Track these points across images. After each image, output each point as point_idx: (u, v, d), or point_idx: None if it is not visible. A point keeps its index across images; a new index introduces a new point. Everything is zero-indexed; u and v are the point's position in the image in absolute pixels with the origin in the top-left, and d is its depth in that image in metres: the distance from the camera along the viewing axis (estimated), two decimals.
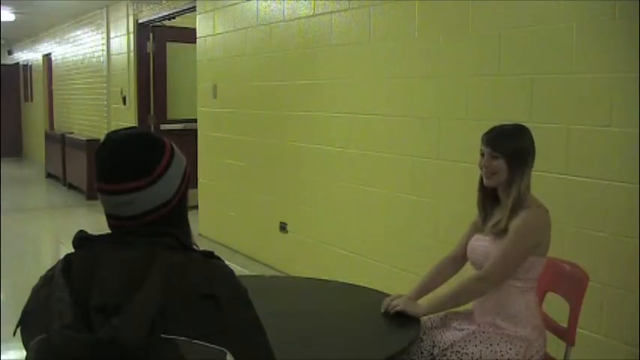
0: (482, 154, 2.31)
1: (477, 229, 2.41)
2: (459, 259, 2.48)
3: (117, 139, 1.34)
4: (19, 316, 1.31)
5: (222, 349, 1.24)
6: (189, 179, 1.41)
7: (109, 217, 1.35)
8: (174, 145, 1.38)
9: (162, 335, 1.18)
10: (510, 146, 2.28)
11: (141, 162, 1.31)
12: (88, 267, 1.25)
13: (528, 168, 2.28)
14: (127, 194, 1.30)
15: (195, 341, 1.21)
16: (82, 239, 1.31)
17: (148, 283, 1.20)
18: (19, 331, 1.31)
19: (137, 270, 1.22)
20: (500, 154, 2.26)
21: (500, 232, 2.26)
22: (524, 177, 2.26)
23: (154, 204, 1.32)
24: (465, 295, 2.32)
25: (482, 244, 2.33)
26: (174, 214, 1.35)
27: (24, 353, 1.32)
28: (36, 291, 1.31)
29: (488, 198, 2.37)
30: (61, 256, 1.32)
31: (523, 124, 2.38)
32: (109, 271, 1.24)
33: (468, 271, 2.46)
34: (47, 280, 1.29)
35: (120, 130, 1.37)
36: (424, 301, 2.35)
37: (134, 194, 1.30)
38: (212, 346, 1.23)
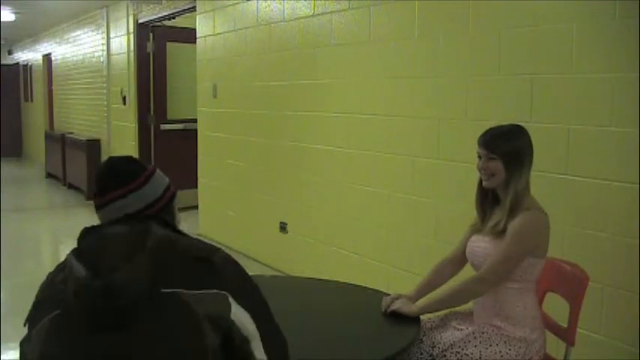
0: (480, 157, 2.31)
1: (476, 229, 2.41)
2: (458, 261, 2.48)
3: (106, 163, 1.63)
4: (32, 304, 1.40)
5: (224, 292, 1.38)
6: (174, 195, 1.65)
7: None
8: (157, 168, 1.65)
9: (164, 290, 1.32)
10: (506, 147, 2.28)
11: (125, 174, 1.58)
12: (96, 245, 1.43)
13: (526, 168, 2.28)
14: (113, 202, 1.55)
15: (200, 291, 1.35)
16: (88, 229, 1.49)
17: (147, 249, 1.36)
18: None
19: (136, 240, 1.39)
20: (497, 155, 2.26)
21: (499, 233, 2.26)
22: (521, 177, 2.26)
23: (139, 206, 1.55)
24: (463, 296, 2.33)
25: (481, 244, 2.33)
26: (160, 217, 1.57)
27: None
28: (51, 279, 1.44)
29: (487, 199, 2.38)
30: (61, 256, 1.35)
31: (522, 124, 2.38)
32: (113, 242, 1.42)
33: (468, 272, 2.47)
34: (60, 266, 1.43)
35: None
36: (422, 301, 2.35)
37: (120, 201, 1.55)
38: (214, 291, 1.37)
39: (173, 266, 1.38)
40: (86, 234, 1.47)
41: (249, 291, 1.48)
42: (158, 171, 1.65)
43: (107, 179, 1.58)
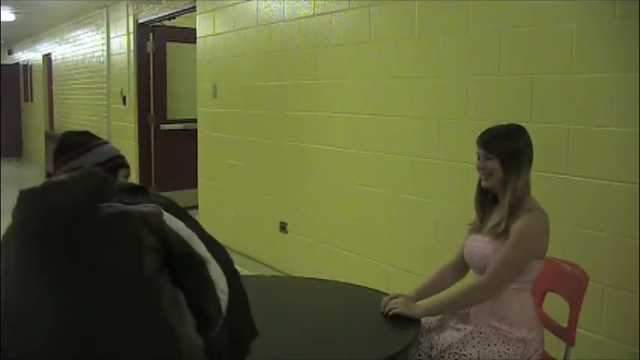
0: (479, 157, 2.32)
1: (475, 229, 2.40)
2: (461, 266, 2.47)
3: (62, 135, 1.87)
4: None
5: (157, 205, 1.56)
6: (118, 167, 1.84)
7: None
8: (110, 144, 1.88)
9: (104, 204, 1.51)
10: (503, 147, 2.28)
11: (77, 143, 1.81)
12: (41, 187, 1.64)
13: (524, 168, 2.27)
14: (65, 164, 1.76)
15: (136, 204, 1.53)
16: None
17: (86, 177, 1.61)
18: None
19: (76, 176, 1.62)
20: (494, 154, 2.27)
21: (499, 234, 2.25)
22: (519, 177, 2.25)
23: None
24: (466, 302, 2.32)
25: (479, 244, 2.33)
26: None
27: None
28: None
29: (487, 198, 2.38)
30: None
31: (522, 124, 2.38)
32: (56, 181, 1.65)
33: (471, 278, 2.47)
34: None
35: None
36: (423, 304, 2.35)
37: (70, 163, 1.76)
38: (152, 205, 1.55)
39: (111, 191, 1.58)
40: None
41: (180, 211, 1.67)
42: (110, 146, 1.88)
43: (63, 147, 1.82)
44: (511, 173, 2.26)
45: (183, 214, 1.67)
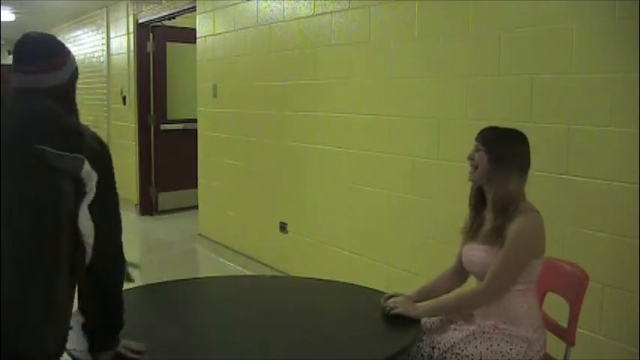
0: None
1: (469, 236, 2.39)
2: (461, 273, 2.47)
3: (34, 34, 1.97)
4: None
5: (80, 156, 1.77)
6: (76, 78, 2.09)
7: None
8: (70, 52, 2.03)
9: (35, 146, 1.70)
10: (494, 140, 2.30)
11: (51, 50, 1.96)
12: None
13: (512, 172, 2.25)
14: (36, 74, 1.89)
15: (64, 152, 1.73)
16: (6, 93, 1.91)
17: (33, 111, 1.82)
18: None
19: (30, 106, 1.85)
20: (484, 147, 2.28)
21: (494, 241, 2.24)
22: (508, 179, 2.24)
23: (52, 83, 1.93)
24: (467, 306, 2.33)
25: (477, 254, 2.32)
26: (67, 97, 2.02)
27: None
28: None
29: (481, 200, 2.38)
30: None
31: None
32: (15, 110, 1.85)
33: (472, 283, 2.47)
34: None
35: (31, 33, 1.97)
36: (424, 305, 2.35)
37: (42, 75, 1.91)
38: (74, 155, 1.76)
39: (51, 130, 1.79)
40: (7, 96, 1.87)
41: (104, 160, 1.89)
42: (72, 54, 2.05)
43: (36, 49, 1.93)
44: (497, 171, 2.25)
45: (105, 162, 1.90)
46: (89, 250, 1.80)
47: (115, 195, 1.93)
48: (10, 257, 1.63)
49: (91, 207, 1.80)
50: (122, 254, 1.95)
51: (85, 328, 1.97)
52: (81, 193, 1.77)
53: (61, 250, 1.71)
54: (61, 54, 2.00)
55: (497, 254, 2.22)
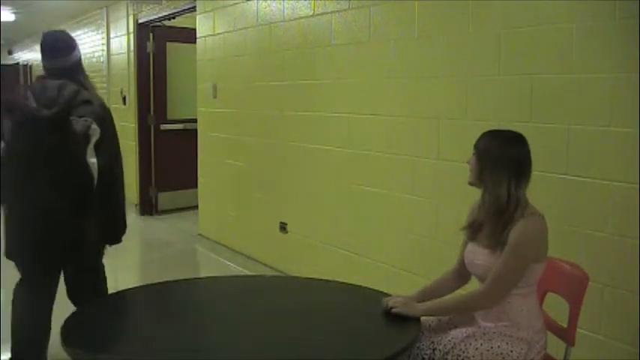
0: None
1: (471, 236, 2.39)
2: (462, 273, 2.47)
3: (57, 32, 3.44)
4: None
5: (88, 119, 2.91)
6: (81, 57, 3.40)
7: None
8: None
9: (70, 117, 2.85)
10: (484, 142, 2.31)
11: (70, 41, 3.33)
12: (41, 88, 3.07)
13: (502, 172, 2.23)
14: (64, 57, 3.24)
15: (78, 118, 2.88)
16: (41, 76, 3.25)
17: (65, 95, 2.96)
18: None
19: (60, 89, 3.01)
20: (475, 149, 2.32)
21: (494, 244, 2.24)
22: (497, 179, 2.23)
23: (70, 63, 3.24)
24: (467, 308, 2.34)
25: (479, 257, 2.31)
26: (78, 74, 3.26)
27: None
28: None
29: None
30: None
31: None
32: (50, 88, 3.03)
33: (473, 285, 2.47)
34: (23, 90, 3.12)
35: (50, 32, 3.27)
36: (424, 305, 2.35)
37: (65, 58, 3.24)
38: (84, 118, 2.88)
39: (78, 104, 2.95)
40: (38, 79, 3.23)
41: (105, 121, 3.07)
42: (78, 44, 3.39)
43: (58, 44, 3.25)
44: (486, 172, 2.26)
45: (108, 122, 3.14)
46: (95, 175, 2.92)
47: (113, 143, 3.20)
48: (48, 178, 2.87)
49: (96, 149, 2.91)
50: (118, 179, 3.23)
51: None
52: (87, 141, 2.90)
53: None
54: (68, 44, 3.30)
55: (499, 258, 2.22)
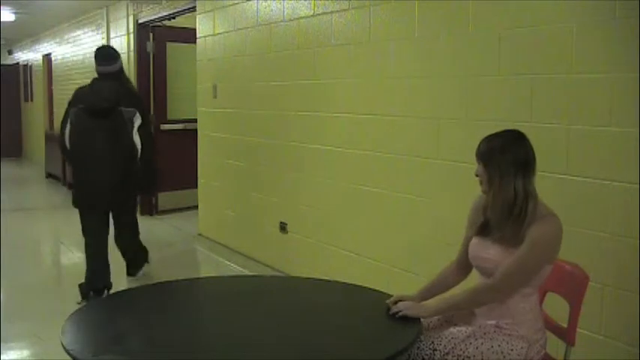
0: None
1: (478, 230, 2.37)
2: (464, 267, 2.45)
3: (107, 47, 5.45)
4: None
5: (133, 109, 4.45)
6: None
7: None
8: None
9: (120, 108, 4.39)
10: (484, 147, 2.28)
11: (116, 53, 4.81)
12: (98, 87, 4.48)
13: (504, 168, 2.22)
14: (112, 64, 4.65)
15: (129, 109, 4.44)
16: (96, 79, 4.58)
17: (118, 93, 4.48)
18: None
19: (112, 87, 4.47)
20: (477, 157, 2.29)
21: (510, 243, 2.22)
22: (504, 177, 2.22)
23: (117, 68, 4.68)
24: (475, 303, 2.31)
25: (490, 252, 2.27)
26: (123, 76, 4.77)
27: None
28: (78, 90, 4.58)
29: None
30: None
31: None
32: (105, 87, 4.46)
33: (473, 280, 2.46)
34: (84, 87, 4.58)
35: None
36: (431, 303, 2.34)
37: (114, 65, 4.66)
38: (131, 109, 4.44)
39: (124, 98, 4.45)
40: (95, 80, 4.51)
41: (142, 107, 4.67)
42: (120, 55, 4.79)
43: (110, 55, 4.66)
44: (493, 173, 2.24)
45: (146, 111, 4.79)
46: (138, 147, 4.46)
47: (149, 124, 4.82)
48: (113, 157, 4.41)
49: (138, 130, 4.42)
50: (151, 152, 4.68)
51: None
52: (132, 126, 4.38)
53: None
54: (116, 55, 4.67)
55: (514, 253, 2.20)
